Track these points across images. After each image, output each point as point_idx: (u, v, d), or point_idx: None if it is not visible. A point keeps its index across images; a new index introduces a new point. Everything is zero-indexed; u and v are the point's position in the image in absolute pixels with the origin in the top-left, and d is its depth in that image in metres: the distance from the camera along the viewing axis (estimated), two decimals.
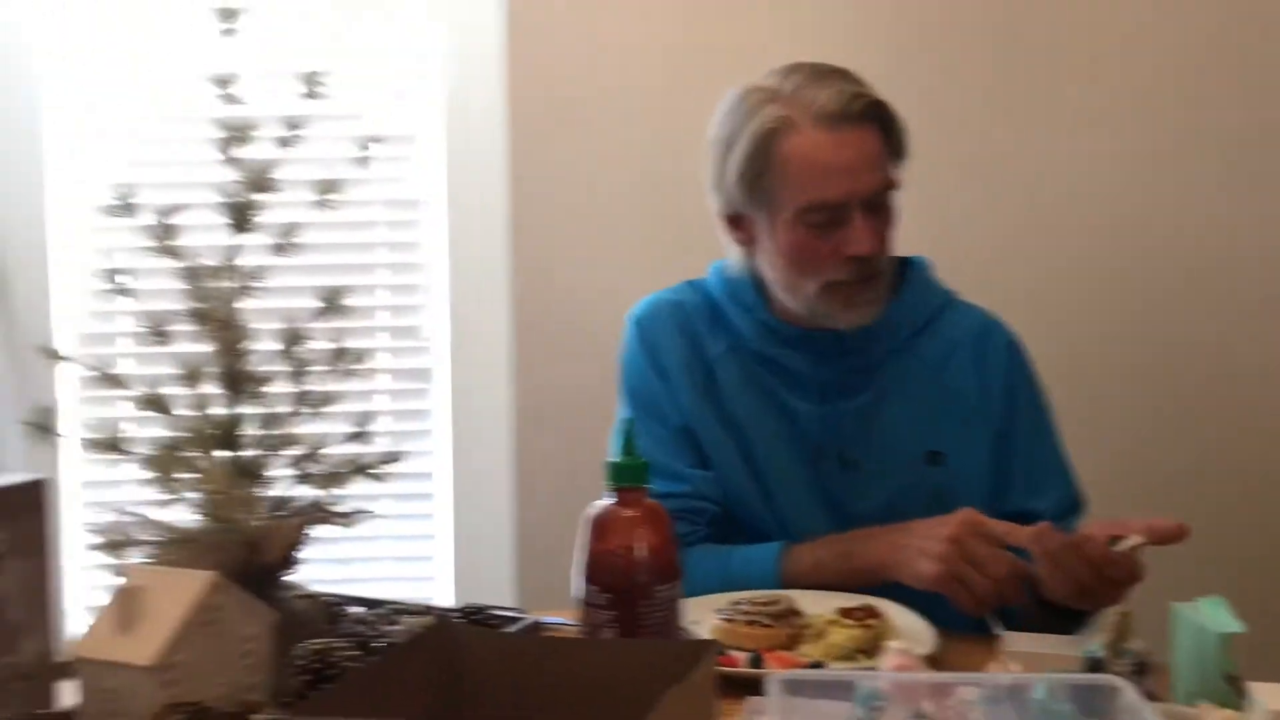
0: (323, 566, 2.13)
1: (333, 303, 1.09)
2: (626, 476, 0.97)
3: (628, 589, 0.94)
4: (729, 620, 1.18)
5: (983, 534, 1.19)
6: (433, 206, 2.13)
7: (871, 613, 1.17)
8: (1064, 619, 1.18)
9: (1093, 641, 0.95)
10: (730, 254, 1.44)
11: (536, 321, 2.10)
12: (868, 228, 1.31)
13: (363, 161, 1.10)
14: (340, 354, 1.07)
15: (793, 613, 1.19)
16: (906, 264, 1.45)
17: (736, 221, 1.39)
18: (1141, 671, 0.92)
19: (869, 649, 1.13)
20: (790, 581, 1.29)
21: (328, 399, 1.08)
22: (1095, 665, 0.90)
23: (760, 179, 1.32)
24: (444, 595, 2.17)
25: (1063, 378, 1.56)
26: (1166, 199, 2.08)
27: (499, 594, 2.09)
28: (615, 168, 2.09)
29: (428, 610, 1.10)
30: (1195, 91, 2.07)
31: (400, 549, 2.19)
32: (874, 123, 1.32)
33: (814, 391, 1.39)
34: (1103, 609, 1.05)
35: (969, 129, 2.04)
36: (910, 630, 1.17)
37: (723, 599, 1.24)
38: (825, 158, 1.30)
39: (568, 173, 2.09)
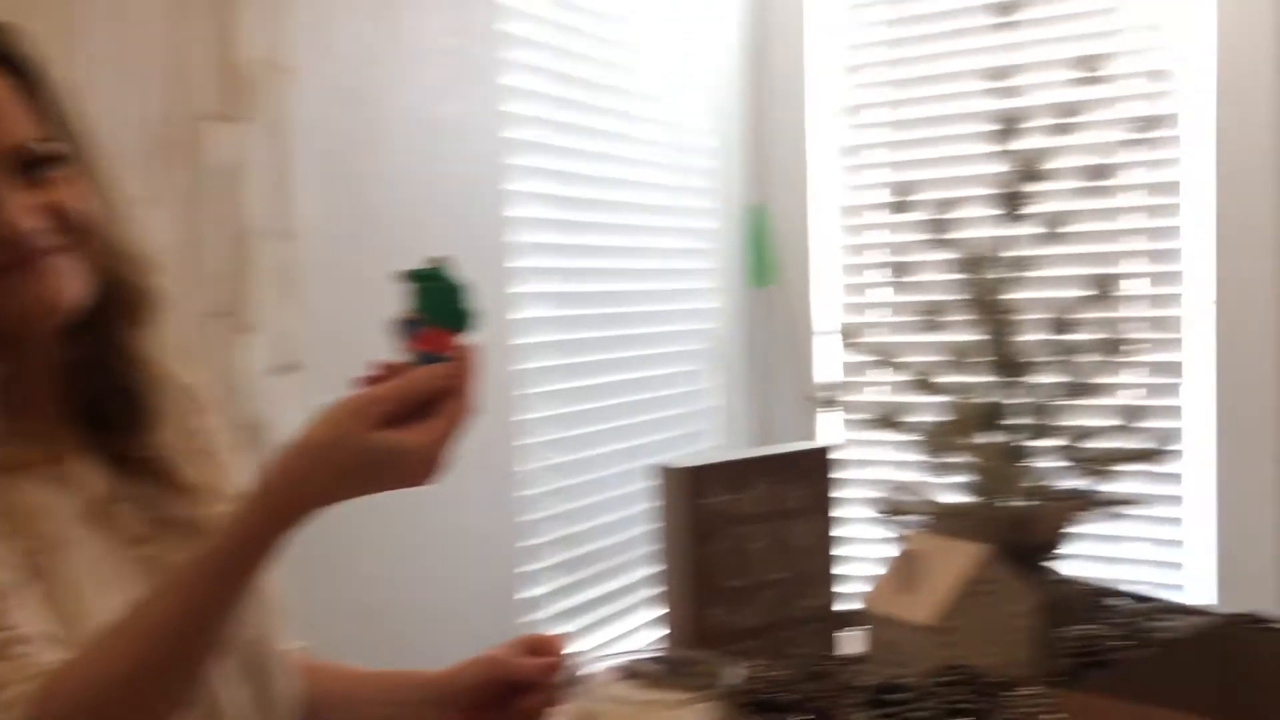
0: (1079, 553, 2.14)
1: (1103, 290, 1.07)
2: None
3: None
4: None
5: None
6: (1197, 190, 1.99)
7: None
8: None
9: None
10: None
11: None
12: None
13: (1135, 145, 1.07)
14: (1111, 343, 1.06)
15: None
16: None
17: None
18: None
19: None
20: None
21: (1093, 388, 1.08)
22: None
23: None
24: (1192, 597, 2.04)
25: None
26: None
27: (1262, 601, 1.90)
28: None
29: (1202, 611, 1.04)
30: None
31: (1146, 551, 2.09)
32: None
33: None
34: None
35: None
36: None
37: None
38: None
39: None
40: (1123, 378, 2.02)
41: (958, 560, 0.95)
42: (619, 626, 1.95)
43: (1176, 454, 2.00)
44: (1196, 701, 0.82)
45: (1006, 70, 1.09)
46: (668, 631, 1.03)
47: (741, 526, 1.03)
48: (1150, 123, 1.09)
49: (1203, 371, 2.00)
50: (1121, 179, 1.99)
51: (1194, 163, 1.98)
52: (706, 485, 1.01)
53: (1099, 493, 1.06)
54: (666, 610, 1.03)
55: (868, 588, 1.00)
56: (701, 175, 2.25)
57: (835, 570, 1.11)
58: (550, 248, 1.87)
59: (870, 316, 2.28)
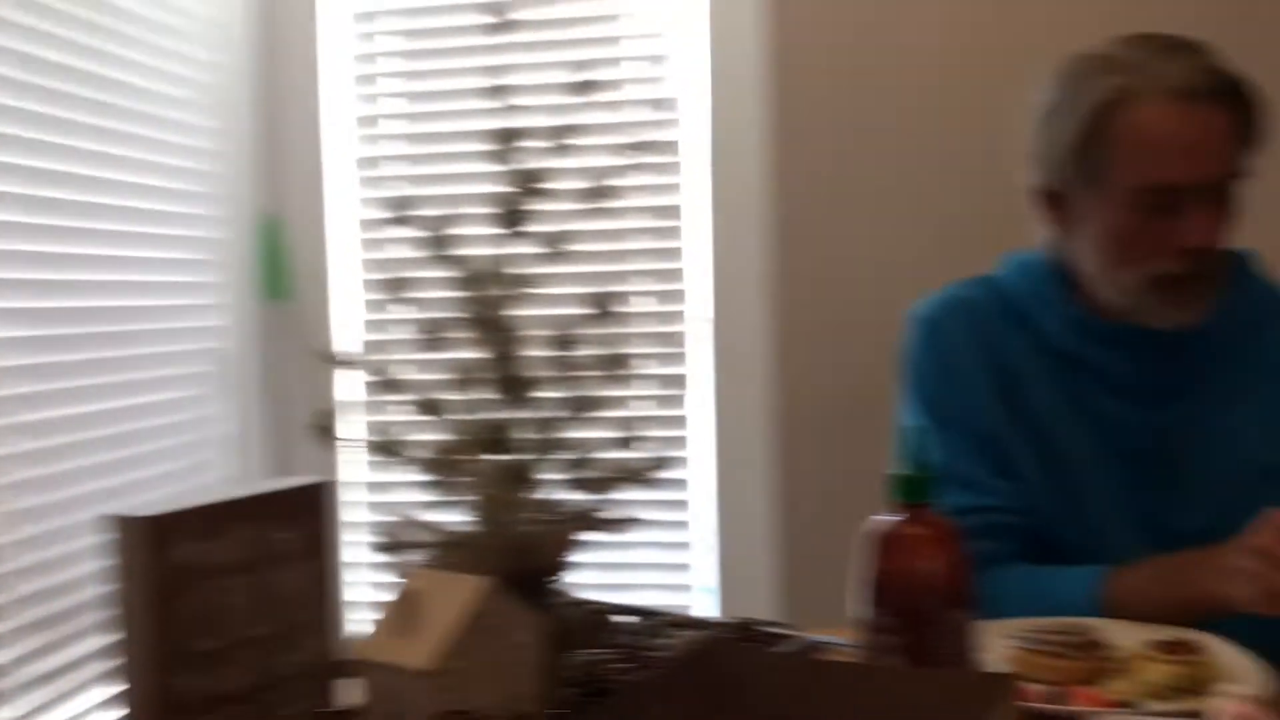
0: (586, 574, 2.17)
1: (604, 308, 1.06)
2: (916, 490, 0.89)
3: (919, 613, 0.86)
4: (1026, 649, 1.08)
5: None
6: (695, 213, 2.11)
7: (1190, 648, 1.04)
8: None
9: None
10: (1038, 238, 1.33)
11: (798, 326, 2.05)
12: (1206, 217, 1.18)
13: (639, 168, 1.07)
14: (611, 360, 1.05)
15: (1096, 644, 1.08)
16: (1235, 257, 1.30)
17: (1053, 199, 1.28)
18: None
19: (1189, 688, 1.01)
20: (1110, 610, 1.17)
21: (596, 404, 1.06)
22: None
23: (1091, 153, 1.22)
24: (700, 606, 2.15)
25: None
26: None
27: (759, 607, 2.04)
28: (880, 166, 2.01)
29: (700, 623, 1.06)
30: None
31: (655, 557, 2.18)
32: (1227, 101, 1.19)
33: (1129, 395, 1.27)
34: None
35: None
36: (1238, 669, 1.04)
37: (1017, 625, 1.14)
38: (1168, 135, 1.18)
39: (830, 175, 2.03)
40: (632, 394, 2.10)
41: (458, 595, 0.89)
42: (78, 702, 1.71)
43: (676, 467, 2.11)
44: (694, 716, 0.81)
45: (506, 88, 1.06)
46: (128, 709, 0.88)
47: (217, 579, 0.90)
48: (646, 146, 1.09)
49: (703, 386, 2.12)
50: (628, 200, 2.07)
51: (693, 188, 2.09)
52: (171, 535, 0.87)
53: (603, 511, 1.04)
54: (127, 683, 0.89)
55: (368, 633, 0.92)
56: (207, 181, 2.06)
57: (333, 618, 1.02)
58: (20, 256, 1.62)
59: (379, 335, 2.21)
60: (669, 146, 2.10)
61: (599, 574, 2.14)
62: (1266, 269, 1.32)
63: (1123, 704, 0.99)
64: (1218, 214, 1.20)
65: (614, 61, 2.13)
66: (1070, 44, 1.29)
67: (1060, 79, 1.26)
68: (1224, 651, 1.07)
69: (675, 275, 2.13)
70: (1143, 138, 1.19)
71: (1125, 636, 1.09)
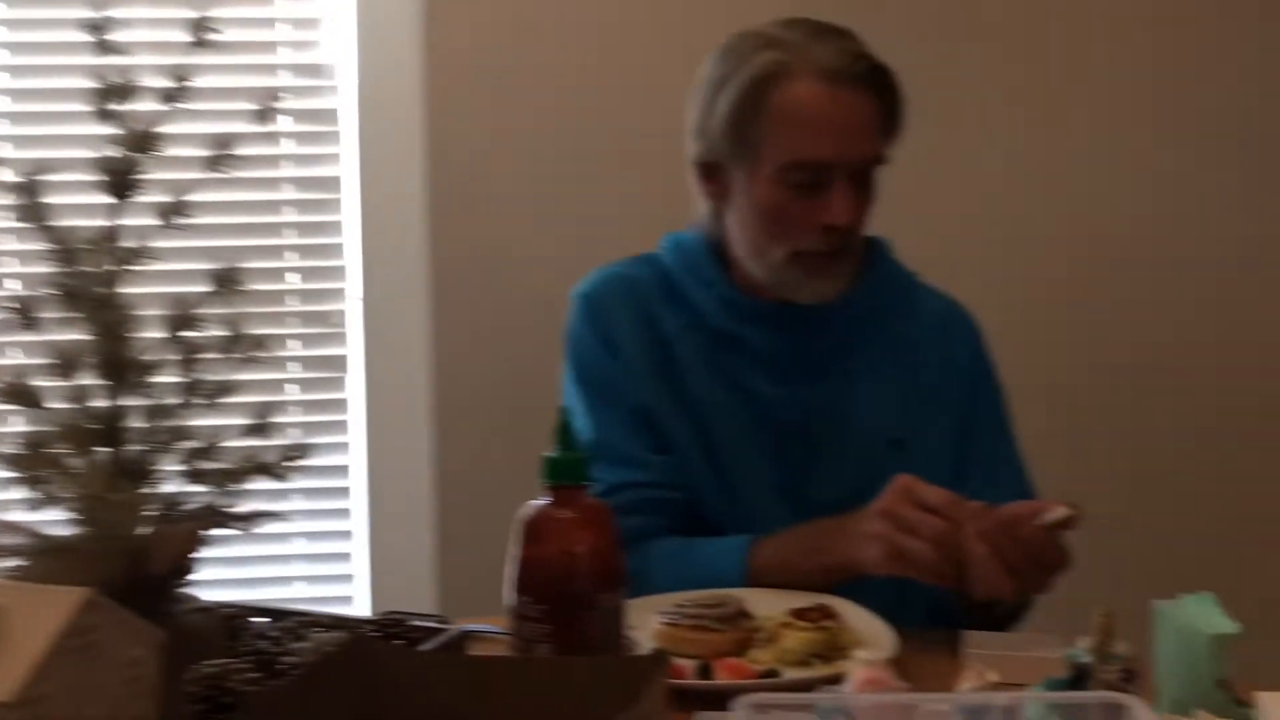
0: (229, 575, 2.01)
1: (227, 284, 0.97)
2: (565, 473, 0.87)
3: (566, 599, 0.84)
4: (673, 624, 1.09)
5: (915, 498, 1.12)
6: (348, 187, 2.01)
7: (826, 613, 1.08)
8: (984, 613, 1.15)
9: (1076, 645, 0.87)
10: (695, 213, 1.36)
11: (458, 307, 1.99)
12: (849, 198, 1.23)
13: (266, 117, 0.98)
14: (236, 340, 0.95)
15: (742, 615, 1.10)
16: (873, 242, 1.37)
17: (711, 172, 1.31)
18: (1130, 678, 0.85)
19: (825, 653, 1.05)
20: (757, 579, 1.21)
21: (224, 389, 0.97)
22: (1082, 671, 0.83)
23: (747, 127, 1.24)
24: (363, 600, 2.06)
25: (1029, 369, 1.52)
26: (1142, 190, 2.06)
27: (421, 599, 1.97)
28: (537, 150, 1.99)
29: (340, 623, 0.99)
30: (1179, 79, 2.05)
31: (315, 548, 2.07)
32: (874, 89, 1.25)
33: (778, 372, 1.31)
34: (1029, 597, 1.04)
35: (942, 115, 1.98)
36: (869, 633, 1.09)
37: (665, 600, 1.15)
38: (819, 114, 1.22)
39: (488, 153, 1.99)
40: (276, 378, 1.98)
41: (51, 610, 0.78)
42: None
43: (336, 454, 2.01)
44: None
45: (111, 38, 0.93)
46: None
47: None
48: (274, 113, 1.00)
49: (356, 370, 2.02)
50: (277, 171, 1.94)
51: (350, 162, 1.99)
52: None
53: (232, 506, 0.95)
54: None
55: None
56: None
57: None
58: None
59: None
60: (325, 115, 1.99)
61: (249, 569, 2.01)
62: (898, 255, 1.40)
63: (766, 672, 1.02)
64: (860, 196, 1.25)
65: (268, 23, 1.99)
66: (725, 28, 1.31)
67: (722, 53, 1.29)
68: (858, 616, 1.12)
69: (333, 251, 2.03)
70: (794, 114, 1.22)
71: (769, 606, 1.13)
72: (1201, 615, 0.85)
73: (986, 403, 1.34)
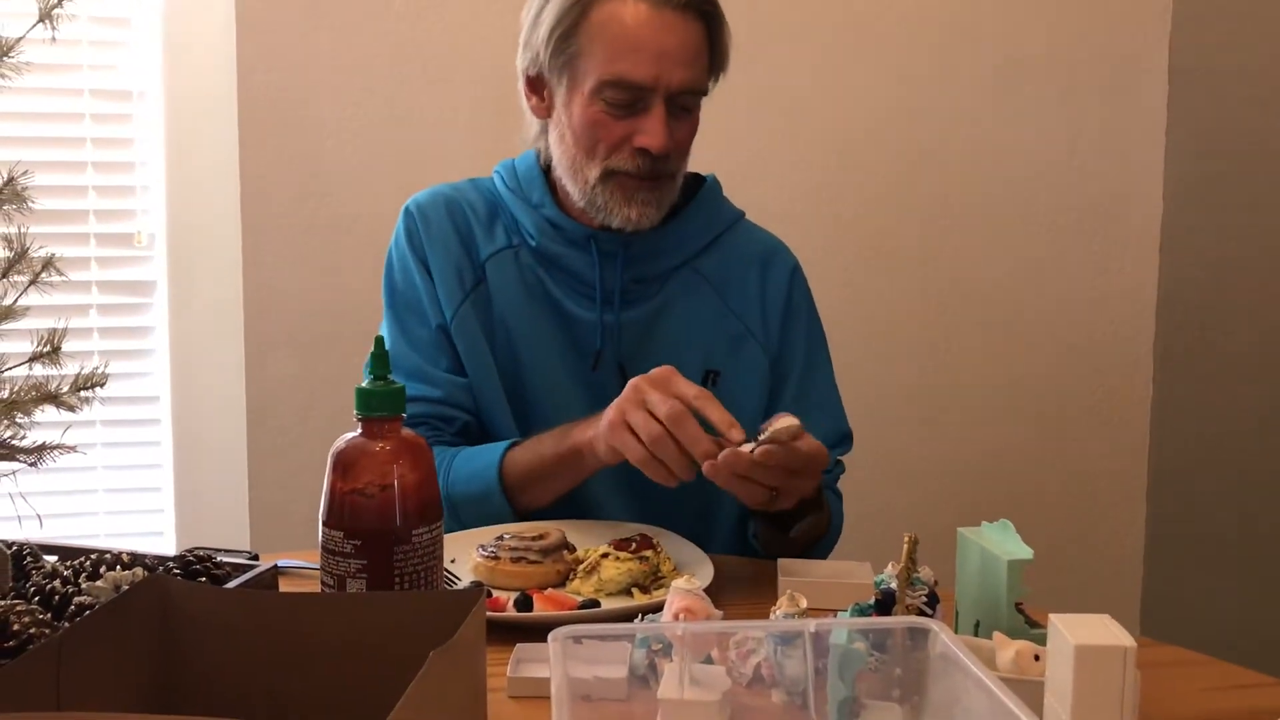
0: (28, 509, 1.90)
1: (10, 192, 0.89)
2: (378, 404, 0.84)
3: (379, 534, 0.81)
4: (493, 557, 1.07)
5: (667, 386, 1.09)
6: (150, 98, 1.89)
7: (645, 544, 1.09)
8: (781, 539, 1.19)
9: (882, 570, 0.90)
10: (525, 134, 1.35)
11: (268, 229, 1.91)
12: (665, 123, 1.23)
13: (50, 16, 0.89)
14: (19, 259, 0.88)
15: (563, 547, 1.10)
16: (698, 180, 1.37)
17: (536, 85, 1.29)
18: (932, 602, 0.88)
19: (645, 583, 1.05)
20: (512, 467, 1.21)
21: (7, 313, 0.90)
22: (888, 597, 0.85)
23: (569, 40, 1.23)
24: (173, 535, 1.98)
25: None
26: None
27: (233, 535, 1.91)
28: (347, 66, 1.91)
29: (139, 560, 0.94)
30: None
31: (122, 481, 1.97)
32: (701, 20, 1.24)
33: (595, 298, 1.30)
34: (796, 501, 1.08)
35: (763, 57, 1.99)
36: (686, 561, 1.10)
37: (486, 533, 1.14)
38: (641, 34, 1.21)
39: (298, 65, 1.90)
40: (72, 300, 1.86)
41: None
42: None
43: (140, 378, 1.91)
44: (116, 683, 0.71)
45: None
46: None
47: None
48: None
49: (161, 297, 1.92)
50: (63, 81, 1.81)
51: (145, 67, 1.87)
52: None
53: (14, 437, 0.88)
54: None
55: None
56: None
57: None
58: None
59: None
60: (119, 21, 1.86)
61: (52, 502, 1.90)
62: (722, 192, 1.40)
63: (586, 603, 1.02)
64: (678, 124, 1.25)
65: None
66: None
67: None
68: (678, 547, 1.13)
69: (129, 169, 1.91)
70: (615, 32, 1.21)
71: (591, 538, 1.13)
72: (1000, 542, 0.89)
73: (801, 342, 1.35)
